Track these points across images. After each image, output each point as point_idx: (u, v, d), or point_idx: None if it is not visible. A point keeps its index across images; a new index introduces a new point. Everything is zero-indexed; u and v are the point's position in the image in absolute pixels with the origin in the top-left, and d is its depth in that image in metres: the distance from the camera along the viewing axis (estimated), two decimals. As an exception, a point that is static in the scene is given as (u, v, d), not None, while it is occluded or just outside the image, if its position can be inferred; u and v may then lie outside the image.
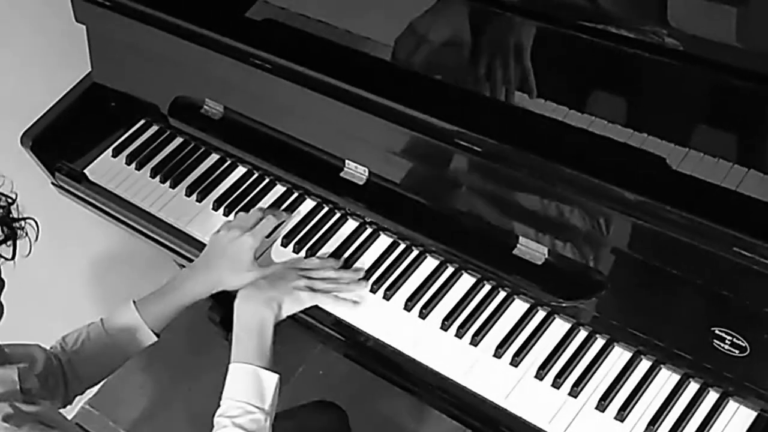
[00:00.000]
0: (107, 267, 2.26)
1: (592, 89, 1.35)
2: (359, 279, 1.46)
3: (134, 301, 1.45)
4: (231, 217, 1.61)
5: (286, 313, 1.38)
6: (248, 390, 1.28)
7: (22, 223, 1.18)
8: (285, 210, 1.59)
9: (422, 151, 1.44)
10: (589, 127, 1.32)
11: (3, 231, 1.15)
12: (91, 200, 1.75)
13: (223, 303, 2.32)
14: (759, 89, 1.19)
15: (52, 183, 1.81)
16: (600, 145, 1.31)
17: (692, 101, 1.29)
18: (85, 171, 1.75)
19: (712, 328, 1.23)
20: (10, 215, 1.17)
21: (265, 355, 1.32)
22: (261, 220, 1.52)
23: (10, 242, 1.15)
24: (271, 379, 1.29)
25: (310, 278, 1.43)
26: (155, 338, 1.45)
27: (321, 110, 1.50)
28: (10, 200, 1.18)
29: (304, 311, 1.43)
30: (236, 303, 1.38)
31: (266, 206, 1.60)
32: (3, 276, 1.17)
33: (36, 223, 1.21)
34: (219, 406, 1.29)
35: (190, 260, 1.62)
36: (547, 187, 1.31)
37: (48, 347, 1.42)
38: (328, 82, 1.48)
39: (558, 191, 1.30)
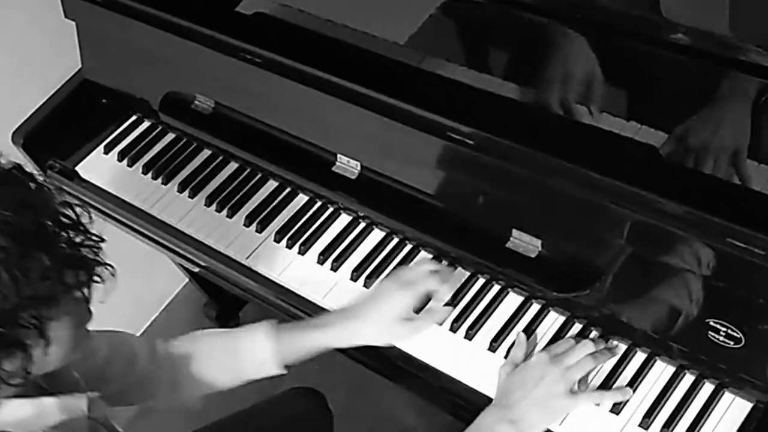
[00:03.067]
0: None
1: (584, 80, 1.34)
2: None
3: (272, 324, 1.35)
4: (224, 213, 1.60)
5: None
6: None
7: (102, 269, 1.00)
8: (280, 204, 1.58)
9: (414, 145, 1.43)
10: (581, 117, 1.31)
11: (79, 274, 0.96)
12: (83, 197, 1.74)
13: (218, 299, 2.32)
14: (752, 80, 1.18)
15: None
16: (591, 136, 1.30)
17: (684, 91, 1.28)
18: (77, 168, 1.74)
19: (707, 320, 1.22)
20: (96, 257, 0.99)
21: None
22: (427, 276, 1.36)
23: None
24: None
25: (568, 369, 1.24)
26: (282, 371, 1.35)
27: (312, 104, 1.49)
28: (98, 241, 0.99)
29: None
30: (488, 408, 1.23)
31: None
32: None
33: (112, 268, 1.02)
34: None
35: (183, 257, 1.62)
36: (539, 179, 1.30)
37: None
38: (319, 76, 1.47)
39: (550, 183, 1.29)
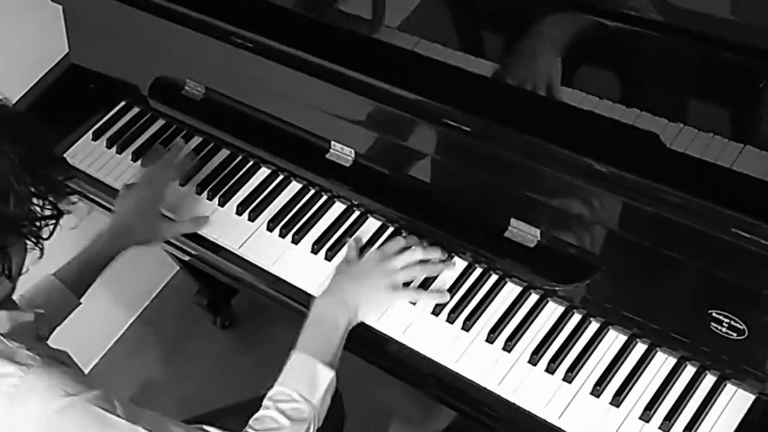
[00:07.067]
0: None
1: (582, 65, 1.31)
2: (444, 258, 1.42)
3: (53, 274, 1.46)
4: (215, 201, 1.57)
5: (362, 317, 1.36)
6: (301, 380, 1.26)
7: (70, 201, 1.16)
8: (272, 192, 1.56)
9: (410, 131, 1.40)
10: (581, 104, 1.28)
11: (50, 206, 1.10)
12: (71, 185, 1.70)
13: (210, 287, 2.30)
14: (754, 63, 1.15)
15: (32, 168, 1.76)
16: (592, 123, 1.27)
17: (685, 76, 1.26)
18: (65, 155, 1.71)
19: (710, 311, 1.20)
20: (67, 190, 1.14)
21: (330, 352, 1.29)
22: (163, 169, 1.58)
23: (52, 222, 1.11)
24: (326, 375, 1.27)
25: (394, 270, 1.38)
26: (78, 303, 1.48)
27: (305, 90, 1.46)
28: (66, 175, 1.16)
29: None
30: (318, 297, 1.36)
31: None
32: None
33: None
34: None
35: (174, 246, 1.59)
36: (537, 167, 1.27)
37: None
38: (312, 61, 1.44)
39: (549, 171, 1.26)
